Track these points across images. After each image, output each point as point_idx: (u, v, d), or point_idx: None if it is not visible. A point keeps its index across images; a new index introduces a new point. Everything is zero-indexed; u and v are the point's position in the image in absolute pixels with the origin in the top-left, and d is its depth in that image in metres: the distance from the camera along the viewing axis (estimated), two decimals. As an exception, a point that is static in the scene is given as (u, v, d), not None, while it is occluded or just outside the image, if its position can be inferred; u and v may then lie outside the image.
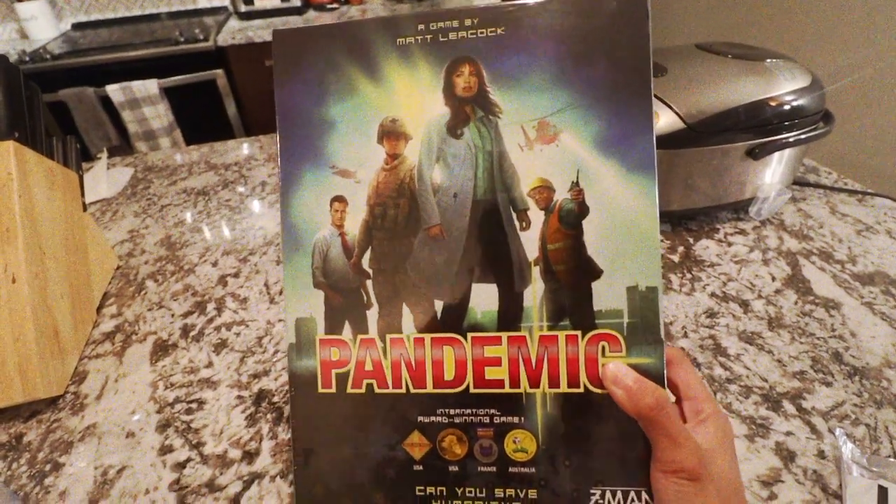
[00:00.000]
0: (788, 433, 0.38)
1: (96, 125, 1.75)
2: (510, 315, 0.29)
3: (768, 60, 0.56)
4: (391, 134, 0.30)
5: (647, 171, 0.28)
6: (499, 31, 0.29)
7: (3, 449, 0.42)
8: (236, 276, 0.60)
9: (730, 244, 0.59)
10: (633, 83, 0.28)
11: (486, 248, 0.29)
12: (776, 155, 0.56)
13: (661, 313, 0.28)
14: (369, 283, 0.30)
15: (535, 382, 0.29)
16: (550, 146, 0.29)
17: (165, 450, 0.40)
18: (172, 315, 0.55)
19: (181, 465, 0.39)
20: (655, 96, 0.54)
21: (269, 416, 0.42)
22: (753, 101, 0.53)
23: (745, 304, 0.50)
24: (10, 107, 0.48)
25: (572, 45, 0.28)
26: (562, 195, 0.28)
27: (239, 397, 0.44)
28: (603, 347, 0.28)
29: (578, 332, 0.28)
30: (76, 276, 0.52)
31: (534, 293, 0.29)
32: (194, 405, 0.44)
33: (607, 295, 0.28)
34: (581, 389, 0.28)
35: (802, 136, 0.55)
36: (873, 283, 0.52)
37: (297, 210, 0.31)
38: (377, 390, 0.30)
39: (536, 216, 0.29)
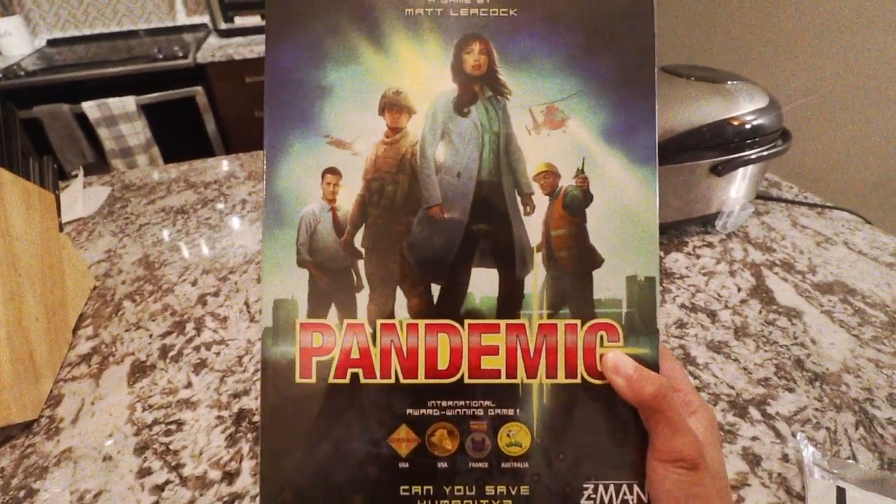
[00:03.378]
0: (754, 438, 0.40)
1: (71, 142, 1.72)
2: (510, 302, 0.28)
3: (729, 83, 0.59)
4: (394, 106, 0.28)
5: (650, 163, 0.28)
6: (511, 12, 0.28)
7: (-25, 476, 0.41)
8: (216, 295, 0.60)
9: (698, 257, 0.61)
10: (639, 77, 0.28)
11: (489, 231, 0.28)
12: (739, 171, 0.59)
13: (658, 304, 0.28)
14: (361, 263, 0.28)
15: (532, 373, 0.28)
16: (557, 132, 0.28)
17: (144, 472, 0.40)
18: (151, 335, 0.54)
19: (160, 488, 0.39)
20: (623, 116, 0.56)
21: (249, 435, 0.42)
22: (716, 120, 0.55)
23: (712, 315, 0.52)
24: (-15, 129, 0.48)
25: (583, 33, 0.28)
26: (567, 181, 0.28)
27: (219, 417, 0.44)
28: (601, 337, 0.28)
29: (578, 321, 0.28)
30: (52, 297, 0.51)
31: (535, 280, 0.28)
32: (173, 426, 0.44)
33: (607, 284, 0.28)
34: (578, 380, 0.28)
35: (763, 153, 0.58)
36: (832, 292, 0.54)
37: (284, 181, 0.28)
38: (363, 380, 0.28)
39: (541, 201, 0.28)
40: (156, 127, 1.81)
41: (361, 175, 0.29)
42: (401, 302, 0.28)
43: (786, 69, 1.30)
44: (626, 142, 0.28)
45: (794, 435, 0.40)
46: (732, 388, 0.44)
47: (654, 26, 0.28)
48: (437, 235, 0.28)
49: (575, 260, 0.28)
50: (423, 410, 0.28)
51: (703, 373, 0.46)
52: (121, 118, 1.70)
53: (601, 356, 0.28)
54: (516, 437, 0.28)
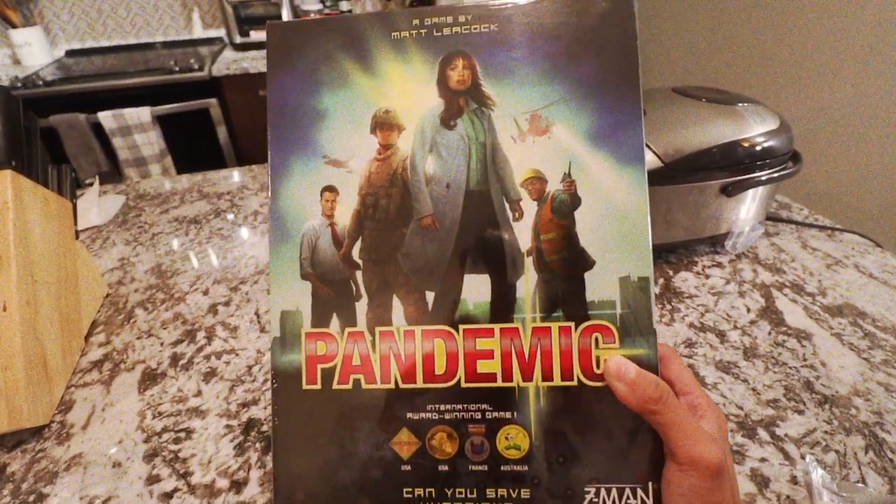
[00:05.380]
0: (763, 459, 0.40)
1: (86, 151, 1.75)
2: (503, 306, 0.29)
3: (739, 104, 0.60)
4: (384, 124, 0.30)
5: (638, 163, 0.28)
6: (492, 27, 0.30)
7: (-14, 479, 0.41)
8: (227, 304, 0.61)
9: (707, 276, 0.61)
10: (622, 79, 0.29)
11: (479, 238, 0.29)
12: (749, 192, 0.59)
13: (653, 303, 0.28)
14: (359, 274, 0.30)
15: (527, 376, 0.28)
16: (543, 138, 0.29)
17: (152, 480, 0.40)
18: (162, 343, 0.55)
19: (168, 496, 0.39)
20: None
21: (257, 445, 0.43)
22: (726, 142, 0.56)
23: (721, 335, 0.52)
24: (8, 136, 0.50)
25: (563, 42, 0.29)
26: (554, 186, 0.29)
27: (228, 426, 0.44)
28: (596, 339, 0.28)
29: (572, 324, 0.28)
30: (66, 303, 0.52)
31: (527, 284, 0.29)
32: (182, 434, 0.44)
33: (600, 285, 0.28)
34: (574, 382, 0.28)
35: (773, 175, 0.59)
36: (842, 314, 0.54)
37: (286, 200, 0.30)
38: (364, 386, 0.29)
39: (529, 207, 0.29)
40: (169, 137, 1.84)
41: (357, 191, 0.30)
42: (398, 310, 0.29)
43: (797, 92, 1.31)
44: (612, 143, 0.29)
45: (803, 457, 0.40)
46: (741, 408, 0.44)
47: (635, 28, 0.29)
48: (429, 245, 0.29)
49: (566, 263, 0.29)
50: (422, 414, 0.29)
51: (712, 393, 0.46)
52: (135, 128, 1.73)
53: (604, 361, 0.28)
54: (515, 440, 0.28)
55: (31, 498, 0.39)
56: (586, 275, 0.28)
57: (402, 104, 0.30)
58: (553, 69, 0.29)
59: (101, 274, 0.66)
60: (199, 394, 0.48)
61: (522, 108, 0.29)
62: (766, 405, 0.44)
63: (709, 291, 0.58)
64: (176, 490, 0.39)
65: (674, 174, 0.56)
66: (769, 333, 0.52)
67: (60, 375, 0.49)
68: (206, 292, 0.63)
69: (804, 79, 1.29)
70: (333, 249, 0.30)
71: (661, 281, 0.60)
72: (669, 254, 0.65)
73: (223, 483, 0.40)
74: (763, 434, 0.42)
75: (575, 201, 0.29)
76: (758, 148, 0.57)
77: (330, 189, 0.30)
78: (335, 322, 0.30)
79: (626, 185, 0.28)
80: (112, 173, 1.82)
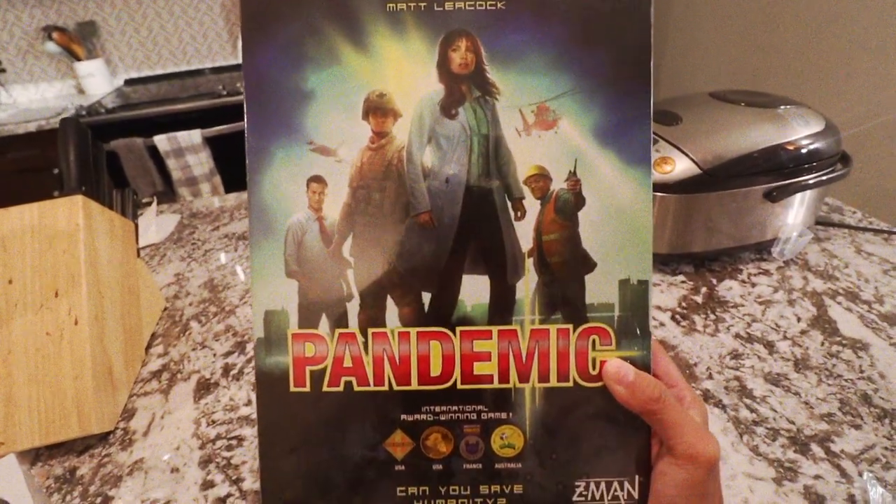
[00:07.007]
0: (817, 477, 0.38)
1: (143, 172, 1.86)
2: (502, 308, 0.28)
3: (781, 107, 0.58)
4: (378, 110, 0.27)
5: (644, 164, 0.27)
6: (499, 4, 0.27)
7: (59, 482, 0.44)
8: (273, 317, 0.63)
9: (753, 285, 0.59)
10: (634, 71, 0.27)
11: (479, 237, 0.28)
12: (796, 196, 0.58)
13: (650, 306, 0.28)
14: (350, 272, 0.28)
15: (524, 377, 0.28)
16: (549, 133, 0.27)
17: (207, 485, 0.43)
18: (214, 354, 0.58)
19: (222, 501, 0.41)
20: (670, 143, 0.56)
21: (303, 453, 0.44)
22: (768, 146, 0.55)
23: (770, 345, 0.51)
24: (79, 164, 0.54)
25: (574, 27, 0.27)
26: (558, 185, 0.27)
27: (276, 434, 0.46)
28: (594, 341, 0.28)
29: (570, 326, 0.28)
30: (129, 317, 0.56)
31: (526, 285, 0.28)
32: (234, 442, 0.46)
33: (600, 288, 0.27)
34: (570, 383, 0.28)
35: (821, 178, 0.56)
36: (903, 323, 0.51)
37: (268, 191, 0.28)
38: (357, 388, 0.28)
39: (532, 206, 0.28)
40: (218, 157, 1.92)
41: (347, 183, 0.28)
42: (392, 311, 0.28)
43: (842, 92, 1.25)
44: (619, 142, 0.27)
45: (860, 474, 0.38)
46: (793, 423, 0.42)
47: (650, 18, 0.27)
48: (426, 243, 0.28)
49: (567, 265, 0.28)
50: (416, 416, 0.28)
51: (761, 406, 0.44)
52: (187, 150, 1.83)
53: (601, 363, 0.28)
54: (509, 440, 0.28)
55: (98, 500, 0.42)
56: (587, 277, 0.28)
57: (398, 87, 0.27)
58: (562, 57, 0.27)
59: (160, 289, 0.70)
60: (248, 403, 0.50)
61: (529, 99, 0.27)
62: (821, 419, 0.43)
63: (755, 300, 0.57)
64: (229, 495, 0.41)
65: (713, 181, 0.55)
66: (822, 344, 0.50)
67: (124, 385, 0.52)
68: (254, 306, 0.66)
69: (849, 78, 1.23)
70: (322, 246, 0.28)
71: (703, 290, 0.59)
72: (712, 262, 0.63)
73: (272, 489, 0.41)
74: (817, 450, 0.40)
75: (579, 202, 0.27)
76: (803, 151, 0.55)
77: (317, 179, 0.28)
78: (324, 323, 0.28)
79: (631, 187, 0.27)
80: (166, 192, 1.92)
